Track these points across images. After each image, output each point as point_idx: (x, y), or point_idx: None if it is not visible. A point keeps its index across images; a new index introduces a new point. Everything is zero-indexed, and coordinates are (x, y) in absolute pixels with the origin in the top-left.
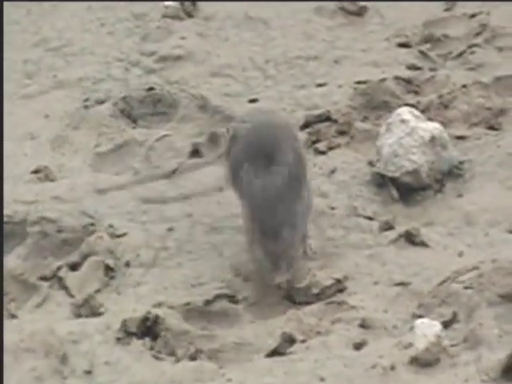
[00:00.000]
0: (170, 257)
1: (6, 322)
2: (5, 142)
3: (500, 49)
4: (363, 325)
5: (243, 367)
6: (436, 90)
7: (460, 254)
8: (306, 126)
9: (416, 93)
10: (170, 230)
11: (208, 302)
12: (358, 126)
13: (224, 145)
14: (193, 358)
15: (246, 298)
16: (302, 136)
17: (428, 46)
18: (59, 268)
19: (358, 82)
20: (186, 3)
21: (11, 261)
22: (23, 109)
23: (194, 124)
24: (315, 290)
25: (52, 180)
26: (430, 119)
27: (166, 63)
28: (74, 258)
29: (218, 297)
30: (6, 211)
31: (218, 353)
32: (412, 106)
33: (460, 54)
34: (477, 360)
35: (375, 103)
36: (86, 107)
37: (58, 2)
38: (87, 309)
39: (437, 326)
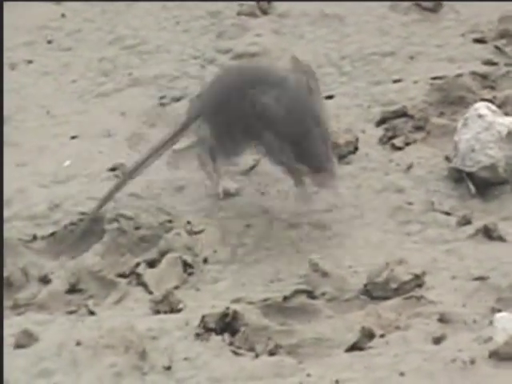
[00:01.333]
0: (248, 253)
1: (85, 319)
2: (81, 140)
3: None
4: (442, 319)
5: (322, 362)
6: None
7: None
8: (382, 121)
9: (492, 88)
10: (248, 226)
11: (286, 298)
12: (434, 122)
13: None
14: (272, 353)
15: (324, 293)
16: (379, 132)
17: (503, 41)
18: (137, 265)
19: (434, 78)
20: (262, 0)
21: (89, 258)
22: (99, 107)
23: None
24: (393, 285)
25: None
26: (506, 114)
27: (241, 60)
28: (151, 254)
29: (296, 292)
30: (82, 209)
31: (297, 348)
32: (488, 101)
33: None
34: None
35: (451, 98)
36: (162, 105)
37: (132, 1)
38: (166, 305)
39: None
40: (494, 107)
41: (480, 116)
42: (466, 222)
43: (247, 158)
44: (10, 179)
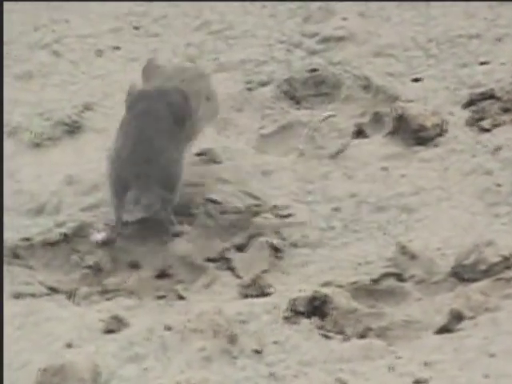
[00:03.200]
0: (336, 236)
1: (174, 304)
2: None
3: None
4: None
5: (412, 344)
6: None
7: None
8: (469, 104)
9: None
10: (336, 209)
11: (375, 281)
12: None
13: None
14: (362, 335)
15: (412, 275)
16: (466, 114)
17: None
18: (226, 249)
19: None
20: None
21: (178, 243)
22: None
23: (358, 104)
24: (482, 267)
25: (217, 162)
26: None
27: (328, 44)
28: (240, 239)
29: (384, 275)
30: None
31: (387, 330)
32: None
33: None
34: None
35: None
36: (249, 89)
37: None
38: (255, 289)
39: None
40: None
41: None
42: None
43: (335, 142)
44: (98, 165)
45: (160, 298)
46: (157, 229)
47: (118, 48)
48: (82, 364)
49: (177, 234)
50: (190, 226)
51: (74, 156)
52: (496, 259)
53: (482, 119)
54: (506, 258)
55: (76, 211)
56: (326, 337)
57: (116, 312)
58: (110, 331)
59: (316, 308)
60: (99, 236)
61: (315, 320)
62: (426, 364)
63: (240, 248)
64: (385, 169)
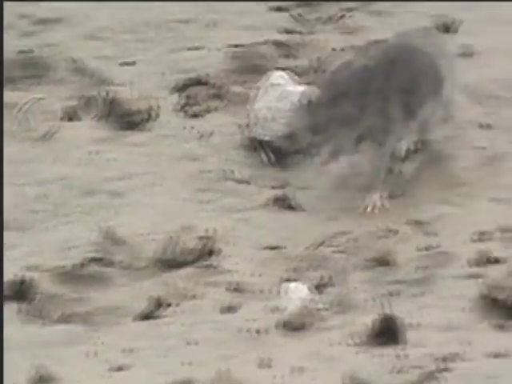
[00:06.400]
0: (44, 220)
1: None
2: None
3: (375, 13)
4: (235, 288)
5: (115, 330)
6: (311, 54)
7: (333, 218)
8: (180, 89)
9: (290, 56)
10: (45, 192)
11: (81, 265)
12: (232, 90)
13: None
14: (65, 321)
15: (118, 261)
16: (176, 99)
17: (304, 9)
18: None
19: (233, 46)
20: None
21: None
22: None
23: (69, 87)
24: (187, 254)
25: None
26: (306, 83)
27: (42, 26)
28: None
29: (90, 260)
30: None
31: (90, 316)
32: (286, 69)
33: (335, 18)
34: (346, 323)
35: (249, 67)
36: None
37: None
38: None
39: (306, 290)
40: (287, 76)
41: (275, 84)
42: (262, 190)
43: (47, 126)
44: None
45: None
46: None
47: None
48: None
49: None
50: None
51: None
52: (201, 246)
53: (192, 105)
54: (210, 245)
55: None
56: (30, 321)
57: None
58: None
59: (21, 292)
60: None
61: (20, 304)
62: (126, 350)
63: None
64: (94, 153)
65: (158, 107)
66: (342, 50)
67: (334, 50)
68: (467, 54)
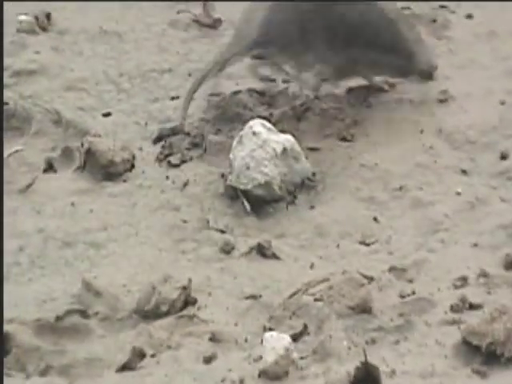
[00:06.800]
0: (22, 272)
1: None
2: None
3: None
4: (213, 338)
5: (94, 382)
6: (289, 102)
7: (311, 266)
8: (159, 139)
9: (269, 105)
10: (23, 245)
11: (59, 318)
12: (211, 139)
13: None
14: (43, 373)
15: (96, 312)
16: (156, 149)
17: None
18: None
19: (212, 95)
20: (41, 17)
21: None
22: None
23: (48, 138)
24: (165, 304)
25: None
26: (282, 131)
27: (19, 78)
28: None
29: (69, 312)
30: None
31: (69, 368)
32: (264, 118)
33: None
34: (325, 372)
35: (228, 116)
36: None
37: None
38: None
39: (286, 339)
40: (268, 124)
41: (255, 133)
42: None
43: (27, 178)
44: None
45: None
46: None
47: None
48: None
49: None
50: None
51: None
52: (178, 296)
53: (170, 154)
54: (189, 295)
55: None
56: (8, 375)
57: None
58: None
59: None
60: None
61: None
62: None
63: None
64: (73, 204)
65: (137, 158)
66: (317, 97)
67: (316, 97)
68: (443, 99)
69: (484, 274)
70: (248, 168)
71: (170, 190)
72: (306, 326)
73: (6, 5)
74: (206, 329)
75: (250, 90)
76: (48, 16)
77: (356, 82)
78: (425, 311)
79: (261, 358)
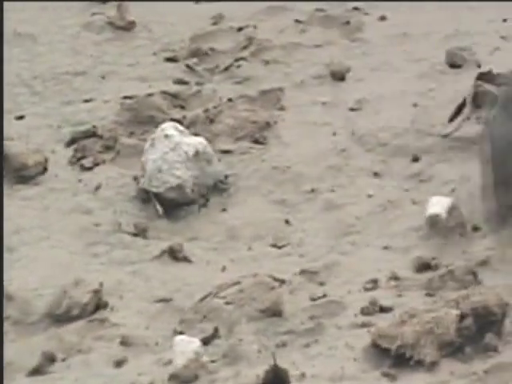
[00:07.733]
0: None
1: None
2: None
3: (266, 62)
4: (124, 342)
5: None
6: (202, 105)
7: (223, 269)
8: (72, 142)
9: (182, 107)
10: None
11: None
12: (123, 142)
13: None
14: None
15: (8, 316)
16: (68, 152)
17: (195, 60)
18: None
19: (125, 97)
20: None
21: None
22: None
23: None
24: (76, 308)
25: None
26: (196, 134)
27: None
28: None
29: None
30: None
31: None
32: (178, 121)
33: (227, 68)
34: (235, 376)
35: (141, 118)
36: None
37: None
38: None
39: (196, 343)
40: (181, 127)
41: (167, 136)
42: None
43: None
44: None
45: None
46: None
47: None
48: None
49: None
50: None
51: None
52: (89, 300)
53: (83, 157)
54: (99, 299)
55: None
56: None
57: None
58: None
59: None
60: None
61: None
62: None
63: None
64: None
65: (50, 161)
66: (230, 100)
67: (230, 99)
68: (355, 101)
69: (395, 277)
70: (160, 171)
71: (83, 193)
72: (216, 330)
73: None
74: (117, 332)
75: (163, 93)
76: None
77: (269, 84)
78: (335, 314)
79: (171, 361)
